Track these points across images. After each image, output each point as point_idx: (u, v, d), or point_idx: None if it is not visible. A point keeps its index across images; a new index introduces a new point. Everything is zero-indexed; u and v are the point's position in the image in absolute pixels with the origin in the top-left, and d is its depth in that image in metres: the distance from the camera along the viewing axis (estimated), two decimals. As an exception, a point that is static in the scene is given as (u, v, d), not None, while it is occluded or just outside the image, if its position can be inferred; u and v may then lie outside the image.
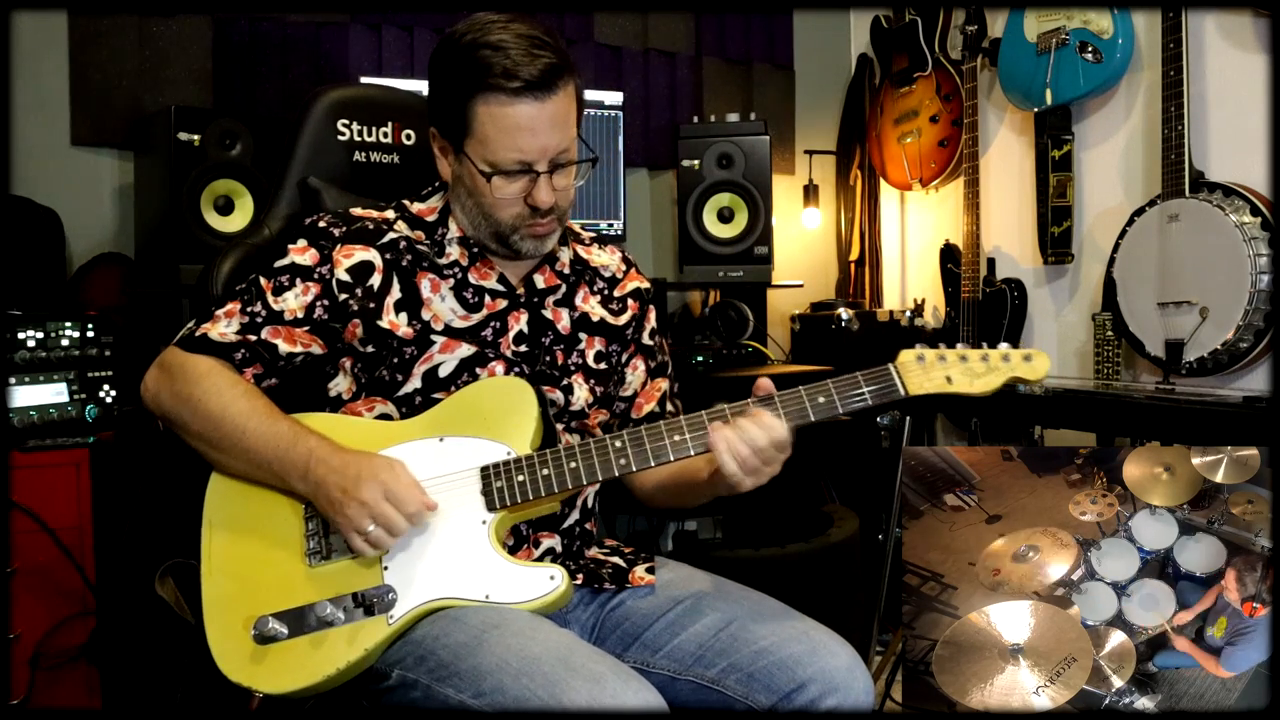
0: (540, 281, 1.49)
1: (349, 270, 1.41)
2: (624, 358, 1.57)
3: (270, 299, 1.40)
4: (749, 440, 1.27)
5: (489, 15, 1.36)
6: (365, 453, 1.32)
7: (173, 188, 2.38)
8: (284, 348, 1.40)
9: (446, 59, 1.37)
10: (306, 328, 1.41)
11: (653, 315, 1.62)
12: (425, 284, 1.43)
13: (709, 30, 3.36)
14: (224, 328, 1.40)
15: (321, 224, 1.45)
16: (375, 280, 1.42)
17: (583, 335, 1.51)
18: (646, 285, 1.62)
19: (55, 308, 2.32)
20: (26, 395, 2.08)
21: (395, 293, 1.42)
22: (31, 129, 2.56)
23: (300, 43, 2.81)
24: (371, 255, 1.42)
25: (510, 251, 1.44)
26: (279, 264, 1.43)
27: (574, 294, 1.53)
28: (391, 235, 1.45)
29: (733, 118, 3.02)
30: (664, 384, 1.61)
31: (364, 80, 2.73)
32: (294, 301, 1.40)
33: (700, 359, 2.74)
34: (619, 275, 1.59)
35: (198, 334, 1.40)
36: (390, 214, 1.48)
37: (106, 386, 2.19)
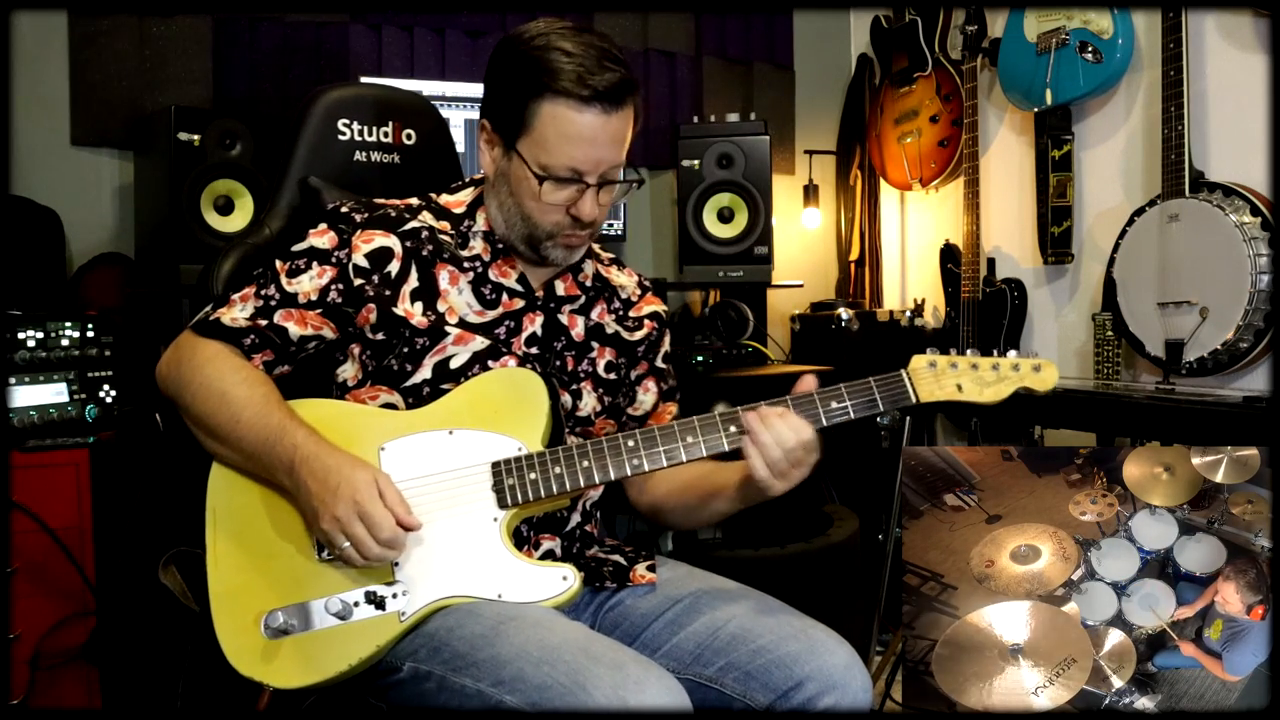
0: (560, 288, 1.50)
1: (367, 255, 1.40)
2: (634, 375, 1.57)
3: (284, 281, 1.40)
4: (780, 441, 1.27)
5: (555, 21, 1.37)
6: (351, 460, 1.29)
7: (173, 188, 2.38)
8: (295, 330, 1.39)
9: (512, 56, 1.37)
10: (319, 310, 1.40)
11: (668, 340, 1.62)
12: (444, 275, 1.43)
13: (709, 30, 3.36)
14: (237, 312, 1.39)
15: (344, 209, 1.44)
16: (394, 267, 1.41)
17: (595, 344, 1.52)
18: (664, 309, 1.62)
19: (55, 308, 2.32)
20: (26, 395, 2.07)
21: (413, 281, 1.41)
22: (31, 129, 2.56)
23: (300, 43, 2.81)
24: (391, 241, 1.42)
25: (537, 257, 1.44)
26: (297, 248, 1.43)
27: (592, 307, 1.53)
28: (414, 224, 1.44)
29: (733, 118, 3.02)
30: (674, 408, 1.61)
31: (364, 80, 2.73)
32: (308, 284, 1.40)
33: (700, 359, 2.74)
34: (634, 299, 1.59)
35: (211, 318, 1.40)
36: (414, 202, 1.48)
37: (106, 386, 2.18)
